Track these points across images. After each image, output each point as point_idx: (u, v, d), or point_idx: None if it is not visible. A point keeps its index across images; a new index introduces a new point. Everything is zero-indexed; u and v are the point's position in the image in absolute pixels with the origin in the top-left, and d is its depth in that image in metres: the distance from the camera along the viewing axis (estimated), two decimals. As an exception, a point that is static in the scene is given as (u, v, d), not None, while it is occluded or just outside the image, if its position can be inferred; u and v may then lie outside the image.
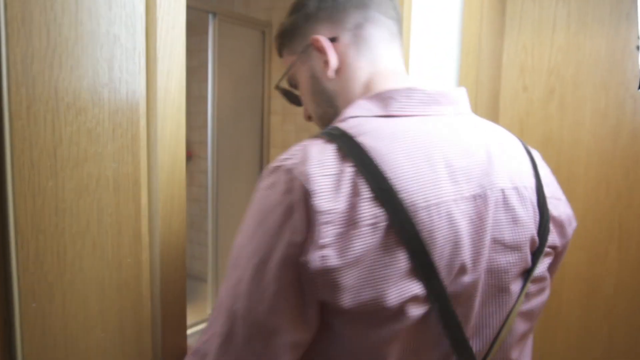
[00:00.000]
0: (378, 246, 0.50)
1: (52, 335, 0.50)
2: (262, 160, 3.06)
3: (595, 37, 1.63)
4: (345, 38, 0.69)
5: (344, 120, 0.61)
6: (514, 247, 0.59)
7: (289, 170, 0.52)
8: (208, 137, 2.68)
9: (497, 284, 0.58)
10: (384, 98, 0.62)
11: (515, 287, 0.60)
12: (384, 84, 0.67)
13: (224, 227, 2.69)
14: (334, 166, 0.52)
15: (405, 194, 0.52)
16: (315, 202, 0.50)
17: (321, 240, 0.49)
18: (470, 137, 0.61)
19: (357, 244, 0.50)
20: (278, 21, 2.98)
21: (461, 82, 1.52)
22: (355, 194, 0.51)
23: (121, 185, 0.55)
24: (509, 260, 0.59)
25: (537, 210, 0.62)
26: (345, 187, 0.51)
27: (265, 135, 3.05)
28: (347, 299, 0.50)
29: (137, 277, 0.58)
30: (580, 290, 1.69)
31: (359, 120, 0.59)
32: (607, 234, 1.64)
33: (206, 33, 2.69)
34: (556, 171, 1.69)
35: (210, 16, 2.65)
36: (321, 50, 0.69)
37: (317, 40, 0.69)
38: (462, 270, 0.55)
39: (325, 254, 0.49)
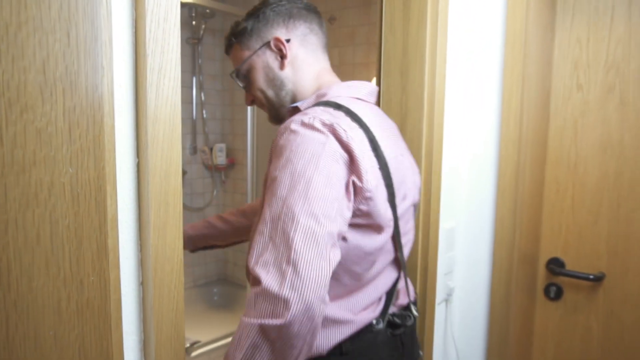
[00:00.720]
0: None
1: (-11, 366, 0.43)
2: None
3: (661, 26, 1.44)
4: (296, 41, 0.97)
5: (332, 98, 0.90)
6: (417, 186, 1.00)
7: (330, 125, 0.78)
8: (247, 144, 2.64)
9: (411, 209, 0.96)
10: (351, 86, 0.95)
11: (413, 209, 0.98)
12: (331, 77, 0.99)
13: (263, 234, 2.62)
14: (353, 125, 0.81)
15: (382, 149, 0.85)
16: (353, 146, 0.78)
17: (362, 170, 0.78)
18: (385, 117, 0.98)
19: (371, 178, 0.80)
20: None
21: (506, 77, 1.38)
22: (365, 146, 0.81)
23: (81, 194, 0.48)
24: (414, 194, 0.98)
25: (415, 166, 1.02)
26: (363, 141, 0.81)
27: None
28: (369, 208, 0.81)
29: (103, 298, 0.51)
30: (646, 311, 1.49)
31: (342, 99, 0.89)
32: (678, 249, 1.44)
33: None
34: (616, 178, 1.51)
35: (250, 22, 2.61)
36: (279, 47, 0.96)
37: (278, 39, 0.95)
38: (404, 198, 0.92)
39: (366, 178, 0.78)
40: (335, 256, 0.74)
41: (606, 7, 1.50)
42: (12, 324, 0.44)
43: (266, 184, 0.82)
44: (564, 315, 1.63)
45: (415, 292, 1.27)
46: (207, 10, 2.85)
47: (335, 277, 0.86)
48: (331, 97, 0.91)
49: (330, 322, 0.87)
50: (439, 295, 1.40)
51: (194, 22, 2.95)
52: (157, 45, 0.67)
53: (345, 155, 0.78)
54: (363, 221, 0.83)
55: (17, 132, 0.43)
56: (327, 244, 0.72)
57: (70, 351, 0.48)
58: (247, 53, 0.99)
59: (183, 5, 2.65)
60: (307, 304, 0.68)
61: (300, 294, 0.68)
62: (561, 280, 1.62)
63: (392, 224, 0.88)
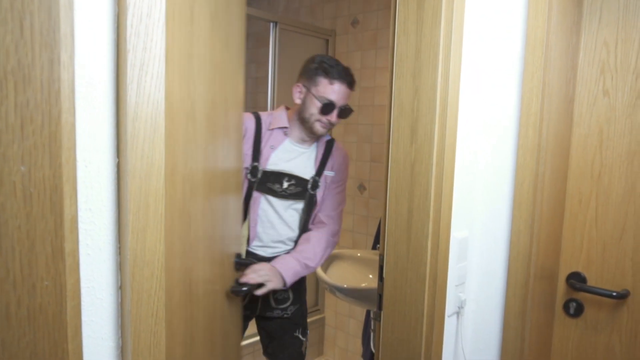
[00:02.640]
0: None
1: None
2: (321, 170, 2.94)
3: (696, 29, 1.34)
4: None
5: None
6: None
7: None
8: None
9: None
10: None
11: None
12: None
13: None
14: None
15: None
16: None
17: None
18: None
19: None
20: (342, 30, 2.86)
21: (525, 82, 1.31)
22: None
23: (34, 193, 0.45)
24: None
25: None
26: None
27: (325, 145, 2.93)
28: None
29: (58, 304, 0.48)
30: (674, 333, 1.38)
31: None
32: None
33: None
34: (645, 189, 1.41)
35: (272, 25, 2.60)
36: None
37: None
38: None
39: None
40: None
41: (637, 7, 1.41)
42: (-48, 329, 0.42)
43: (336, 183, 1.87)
44: (585, 334, 1.54)
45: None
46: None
47: None
48: None
49: None
50: (450, 307, 1.33)
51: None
52: (138, 41, 0.64)
53: None
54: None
55: (-39, 127, 0.40)
56: None
57: (21, 359, 0.45)
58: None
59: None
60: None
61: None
62: (582, 296, 1.53)
63: None
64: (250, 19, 3.12)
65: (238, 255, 1.44)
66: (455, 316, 1.38)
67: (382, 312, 1.33)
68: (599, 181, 1.48)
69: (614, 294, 1.43)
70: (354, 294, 1.91)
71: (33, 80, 0.45)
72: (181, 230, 0.81)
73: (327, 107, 1.68)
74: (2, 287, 0.44)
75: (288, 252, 1.80)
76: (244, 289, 1.34)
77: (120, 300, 0.68)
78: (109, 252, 0.66)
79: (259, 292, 1.58)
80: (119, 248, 0.68)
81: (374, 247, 2.46)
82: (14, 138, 0.43)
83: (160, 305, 0.71)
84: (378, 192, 2.85)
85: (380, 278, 1.34)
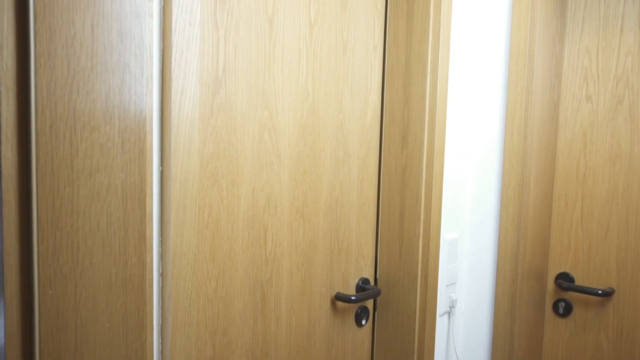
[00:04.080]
0: None
1: (65, 319, 0.67)
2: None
3: (668, 39, 1.67)
4: None
5: None
6: None
7: None
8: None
9: None
10: None
11: None
12: None
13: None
14: None
15: None
16: None
17: None
18: None
19: None
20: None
21: (510, 90, 1.62)
22: None
23: (128, 193, 0.73)
24: None
25: None
26: None
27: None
28: None
29: (141, 276, 0.76)
30: (654, 328, 1.71)
31: None
32: (685, 264, 1.66)
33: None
34: (626, 191, 1.74)
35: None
36: None
37: None
38: None
39: None
40: None
41: (616, 17, 1.74)
42: (79, 290, 0.69)
43: None
44: (574, 333, 1.85)
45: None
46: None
47: None
48: None
49: None
50: (441, 306, 1.63)
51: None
52: (180, 71, 0.93)
53: None
54: None
55: (87, 146, 0.68)
56: None
57: (117, 315, 0.73)
58: None
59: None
60: None
61: None
62: (570, 295, 1.84)
63: None
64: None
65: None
66: (446, 315, 1.68)
67: (376, 313, 1.62)
68: (584, 183, 1.81)
69: (600, 292, 1.75)
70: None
71: (129, 111, 0.73)
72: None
73: None
74: (107, 261, 0.72)
75: None
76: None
77: (161, 284, 0.96)
78: (154, 245, 0.94)
79: None
80: (161, 241, 0.96)
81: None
82: (117, 153, 0.71)
83: (193, 290, 0.99)
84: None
85: (374, 280, 1.63)
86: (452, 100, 1.59)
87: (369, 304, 1.61)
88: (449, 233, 1.64)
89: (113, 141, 0.71)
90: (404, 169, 1.53)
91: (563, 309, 1.86)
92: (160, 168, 0.94)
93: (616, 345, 1.79)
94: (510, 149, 1.64)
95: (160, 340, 0.97)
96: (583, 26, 1.80)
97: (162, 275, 0.97)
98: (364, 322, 1.58)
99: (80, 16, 0.69)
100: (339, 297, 1.47)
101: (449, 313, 1.69)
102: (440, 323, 1.66)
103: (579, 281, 1.84)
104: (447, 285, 1.66)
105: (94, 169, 0.69)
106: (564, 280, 1.84)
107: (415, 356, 1.58)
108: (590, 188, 1.81)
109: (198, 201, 1.02)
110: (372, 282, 1.61)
